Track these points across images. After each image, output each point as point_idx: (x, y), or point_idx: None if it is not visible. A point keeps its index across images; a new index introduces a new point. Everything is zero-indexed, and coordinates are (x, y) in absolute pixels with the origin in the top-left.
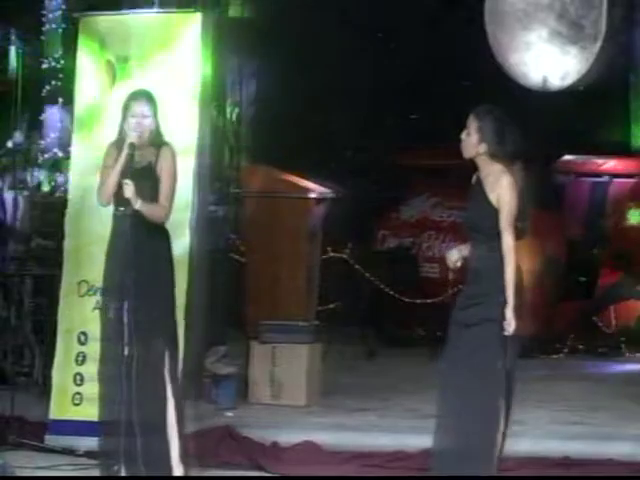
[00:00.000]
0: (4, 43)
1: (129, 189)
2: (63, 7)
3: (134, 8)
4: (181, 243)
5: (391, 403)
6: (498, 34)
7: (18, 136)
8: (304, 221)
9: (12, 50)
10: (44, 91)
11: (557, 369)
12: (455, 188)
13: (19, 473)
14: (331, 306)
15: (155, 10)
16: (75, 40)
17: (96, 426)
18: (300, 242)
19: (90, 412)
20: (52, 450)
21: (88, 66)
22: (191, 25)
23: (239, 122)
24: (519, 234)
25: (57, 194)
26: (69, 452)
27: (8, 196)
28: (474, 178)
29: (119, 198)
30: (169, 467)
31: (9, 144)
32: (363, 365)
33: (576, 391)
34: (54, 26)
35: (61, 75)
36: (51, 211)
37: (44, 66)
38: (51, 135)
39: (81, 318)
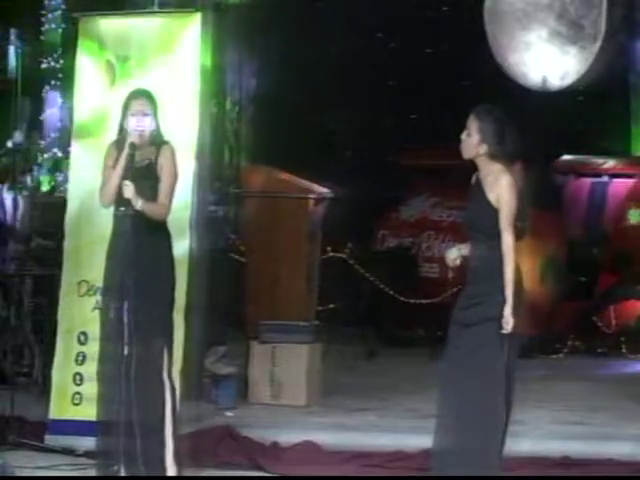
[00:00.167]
0: (3, 43)
1: (129, 190)
2: (63, 7)
3: (134, 8)
4: (181, 243)
5: (391, 403)
6: (497, 34)
7: (18, 136)
8: (304, 221)
9: (11, 50)
10: (44, 91)
11: (557, 369)
12: (455, 188)
13: (19, 473)
14: (331, 306)
15: (155, 10)
16: (75, 40)
17: (96, 426)
18: (300, 242)
19: (90, 412)
20: (52, 450)
21: (88, 66)
22: (191, 25)
23: (239, 122)
24: (519, 234)
25: (57, 194)
26: (69, 452)
27: (8, 196)
28: (473, 178)
29: (120, 198)
30: (164, 467)
31: (9, 144)
32: (363, 365)
33: (576, 391)
34: (54, 26)
35: (61, 75)
36: (51, 211)
37: (44, 66)
38: (51, 135)
39: (81, 318)
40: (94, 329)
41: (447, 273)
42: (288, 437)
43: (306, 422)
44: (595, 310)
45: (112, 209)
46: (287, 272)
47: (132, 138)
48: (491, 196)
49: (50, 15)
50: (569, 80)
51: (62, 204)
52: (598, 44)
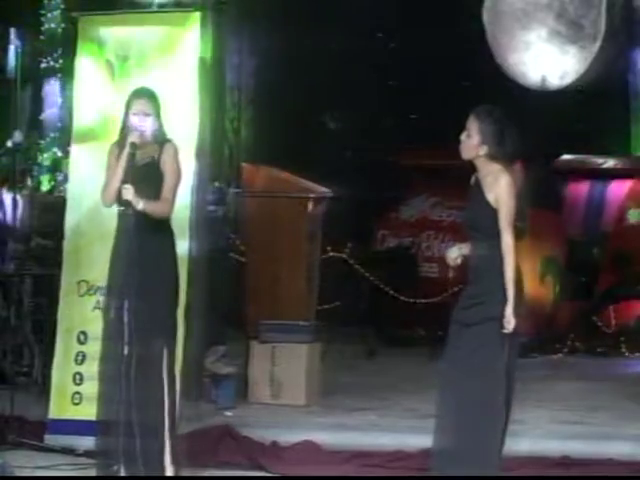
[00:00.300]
0: (3, 42)
1: (129, 192)
2: (62, 7)
3: (133, 7)
4: (181, 243)
5: (391, 403)
6: (497, 34)
7: (17, 136)
8: (304, 221)
9: (11, 49)
10: (43, 91)
11: (557, 369)
12: (455, 188)
13: (19, 473)
14: (331, 306)
15: (154, 9)
16: (74, 40)
17: (95, 426)
18: (300, 242)
19: (89, 412)
20: (52, 450)
21: (87, 66)
22: (190, 24)
23: (239, 122)
24: (518, 234)
25: (56, 193)
26: (69, 452)
27: (7, 196)
28: (473, 179)
29: (121, 198)
30: (163, 467)
31: (8, 144)
32: (363, 365)
33: (576, 391)
34: (53, 26)
35: (60, 75)
36: (51, 211)
37: (43, 65)
38: (50, 135)
39: (81, 318)
40: (94, 329)
41: (447, 273)
42: (288, 437)
43: (306, 422)
44: (595, 310)
45: (113, 209)
46: (287, 272)
47: (132, 138)
48: (490, 196)
49: (49, 15)
50: (568, 80)
51: (62, 204)
52: (598, 44)
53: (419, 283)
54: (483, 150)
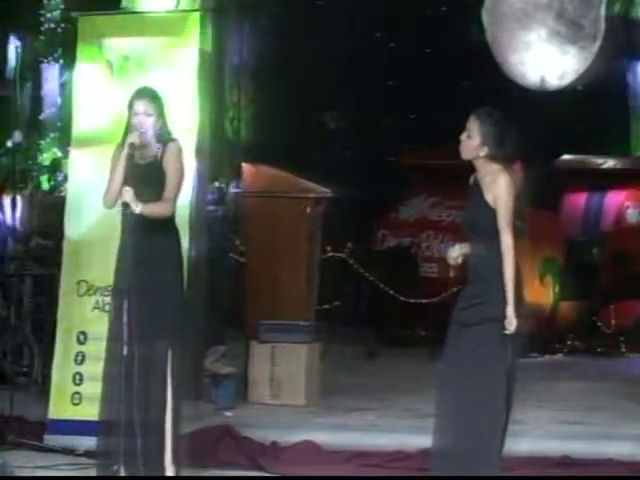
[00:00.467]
0: (3, 43)
1: (128, 195)
2: (62, 7)
3: (133, 7)
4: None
5: (390, 403)
6: (497, 34)
7: (17, 136)
8: (304, 221)
9: (11, 50)
10: (43, 91)
11: (557, 369)
12: (454, 188)
13: (18, 473)
14: (330, 306)
15: (154, 9)
16: (74, 40)
17: (95, 426)
18: (300, 242)
19: (89, 412)
20: (51, 450)
21: (87, 66)
22: (190, 24)
23: (239, 121)
24: (517, 234)
25: (56, 193)
26: (68, 452)
27: (7, 196)
28: (471, 179)
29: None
30: (163, 467)
31: (8, 144)
32: (362, 365)
33: (576, 391)
34: (53, 26)
35: (60, 74)
36: (50, 211)
37: (43, 66)
38: (50, 135)
39: (80, 318)
40: (93, 329)
41: (447, 273)
42: (288, 437)
43: (306, 422)
44: (595, 310)
45: (113, 209)
46: (287, 272)
47: (132, 138)
48: (489, 196)
49: (49, 15)
50: (567, 80)
51: (62, 204)
52: (597, 44)
53: (419, 283)
54: (483, 151)
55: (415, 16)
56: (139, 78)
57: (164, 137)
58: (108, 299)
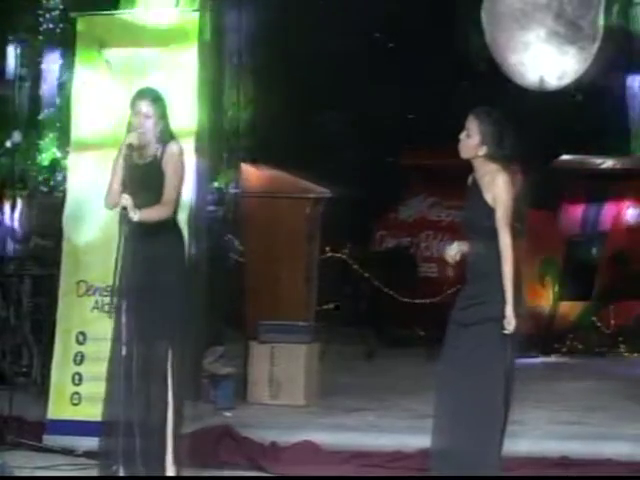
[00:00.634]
0: (2, 43)
1: (126, 202)
2: (61, 7)
3: (132, 7)
4: None
5: (390, 403)
6: (496, 34)
7: (17, 136)
8: (303, 221)
9: (10, 50)
10: (42, 91)
11: (556, 369)
12: (453, 188)
13: (18, 473)
14: (330, 306)
15: (153, 9)
16: (73, 40)
17: (94, 426)
18: (299, 242)
19: (88, 412)
20: (51, 450)
21: (86, 66)
22: (189, 24)
23: (238, 122)
24: (516, 234)
25: (56, 194)
26: (68, 452)
27: (6, 196)
28: (470, 179)
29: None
30: (163, 467)
31: (7, 144)
32: (362, 365)
33: (575, 391)
34: (52, 26)
35: (59, 75)
36: (49, 211)
37: (42, 66)
38: (49, 135)
39: (80, 318)
40: (93, 329)
41: (446, 273)
42: (287, 437)
43: (305, 422)
44: (594, 310)
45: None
46: (286, 272)
47: (130, 138)
48: (488, 196)
49: (48, 15)
50: (567, 80)
51: (61, 204)
52: (596, 44)
53: (418, 283)
54: (482, 150)
55: (415, 16)
56: (138, 78)
57: (165, 138)
58: (107, 299)
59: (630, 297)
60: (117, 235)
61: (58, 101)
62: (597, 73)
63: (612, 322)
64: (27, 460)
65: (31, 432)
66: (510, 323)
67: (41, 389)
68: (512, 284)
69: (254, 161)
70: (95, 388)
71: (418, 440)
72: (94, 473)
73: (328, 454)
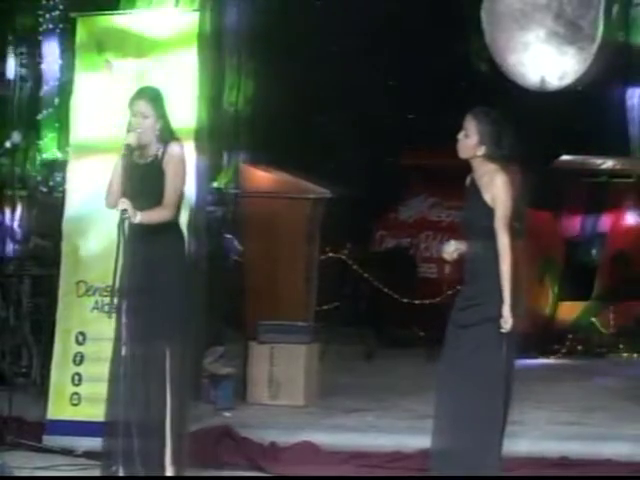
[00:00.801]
0: (1, 43)
1: (125, 205)
2: (61, 7)
3: (132, 7)
4: None
5: (389, 403)
6: (496, 34)
7: (16, 136)
8: (303, 221)
9: (10, 50)
10: (42, 91)
11: (556, 370)
12: (453, 188)
13: (17, 473)
14: (330, 306)
15: (153, 10)
16: (73, 40)
17: (94, 426)
18: (299, 242)
19: (88, 412)
20: (50, 450)
21: (86, 66)
22: (189, 25)
23: (238, 122)
24: (516, 235)
25: (55, 194)
26: (67, 452)
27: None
28: (468, 180)
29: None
30: (162, 468)
31: (7, 144)
32: (361, 365)
33: (574, 391)
34: (52, 26)
35: (59, 75)
36: (49, 211)
37: (42, 66)
38: (49, 135)
39: (79, 318)
40: (92, 329)
41: (445, 273)
42: (286, 437)
43: (304, 422)
44: (594, 311)
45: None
46: (286, 272)
47: (129, 139)
48: (487, 196)
49: (48, 15)
50: (567, 80)
51: (60, 204)
52: (596, 44)
53: (418, 284)
54: (481, 150)
55: (415, 15)
56: (138, 78)
57: (165, 137)
58: (107, 300)
59: (630, 298)
60: (117, 235)
61: (58, 101)
62: (597, 72)
63: (612, 323)
64: (27, 460)
65: (31, 432)
66: (507, 322)
67: (41, 389)
68: (510, 284)
69: (253, 161)
70: (95, 388)
71: (417, 440)
72: (94, 473)
73: (327, 454)
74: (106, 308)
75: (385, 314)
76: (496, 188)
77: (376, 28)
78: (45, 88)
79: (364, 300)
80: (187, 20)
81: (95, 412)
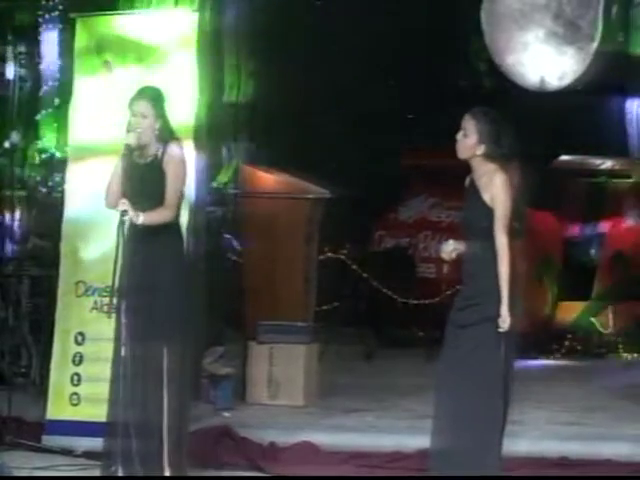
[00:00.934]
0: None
1: (125, 206)
2: (60, 7)
3: (132, 8)
4: None
5: (389, 403)
6: (495, 35)
7: (15, 136)
8: (302, 222)
9: (9, 50)
10: (41, 91)
11: (555, 370)
12: (454, 188)
13: (17, 473)
14: (329, 306)
15: (152, 10)
16: (72, 40)
17: (93, 426)
18: (298, 242)
19: (88, 412)
20: (50, 450)
21: (85, 66)
22: (188, 25)
23: (237, 122)
24: (515, 234)
25: (54, 194)
26: (67, 452)
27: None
28: (467, 181)
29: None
30: (161, 468)
31: (6, 144)
32: (361, 365)
33: (574, 392)
34: (51, 26)
35: (58, 75)
36: (48, 211)
37: (41, 66)
38: (48, 135)
39: (78, 318)
40: (91, 329)
41: (444, 273)
42: (286, 437)
43: (304, 422)
44: (593, 311)
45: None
46: (285, 273)
47: (128, 139)
48: (486, 196)
49: (47, 15)
50: (567, 80)
51: (59, 204)
52: (595, 44)
53: (417, 284)
54: (480, 150)
55: (415, 16)
56: (138, 78)
57: (164, 137)
58: (106, 300)
59: (629, 298)
60: (116, 235)
61: (57, 102)
62: (596, 72)
63: (611, 323)
64: (26, 460)
65: (30, 432)
66: (505, 322)
67: (40, 389)
68: (508, 284)
69: (253, 161)
70: (94, 388)
71: (417, 440)
72: (93, 473)
73: (327, 454)
74: (105, 308)
75: (384, 314)
76: (495, 188)
77: (376, 28)
78: (44, 88)
79: (363, 300)
80: (186, 20)
81: (94, 412)
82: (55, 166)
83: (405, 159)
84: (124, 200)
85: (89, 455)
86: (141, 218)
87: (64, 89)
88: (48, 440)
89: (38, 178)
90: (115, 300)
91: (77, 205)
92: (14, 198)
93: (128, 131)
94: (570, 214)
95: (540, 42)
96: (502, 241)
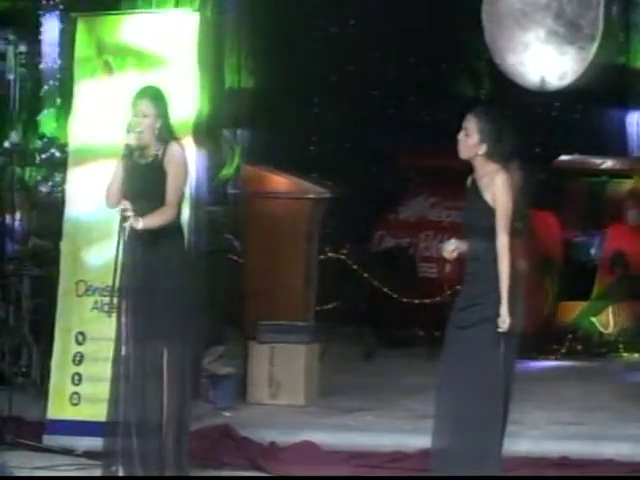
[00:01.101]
0: (1, 43)
1: (127, 212)
2: (61, 7)
3: (132, 7)
4: None
5: (389, 403)
6: (496, 34)
7: (15, 136)
8: (302, 221)
9: (9, 50)
10: (42, 91)
11: (555, 370)
12: (454, 188)
13: (17, 473)
14: (329, 306)
15: (153, 10)
16: (73, 40)
17: (94, 426)
18: (298, 242)
19: (88, 412)
20: (50, 450)
21: (86, 66)
22: (188, 24)
23: (237, 122)
24: (516, 234)
25: (54, 194)
26: (67, 452)
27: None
28: (469, 181)
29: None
30: (161, 468)
31: (6, 144)
32: (361, 365)
33: (574, 391)
34: (52, 25)
35: (59, 75)
36: (48, 211)
37: (41, 66)
38: (48, 134)
39: (79, 318)
40: (92, 329)
41: (445, 273)
42: (286, 437)
43: (304, 422)
44: (593, 311)
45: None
46: (286, 272)
47: (128, 139)
48: (488, 196)
49: (48, 15)
50: (567, 80)
51: (59, 204)
52: (596, 44)
53: (418, 284)
54: (482, 149)
55: (415, 15)
56: (138, 78)
57: (165, 136)
58: (107, 299)
59: (630, 297)
60: (116, 235)
61: (58, 101)
62: (597, 72)
63: (611, 323)
64: (26, 460)
65: (30, 432)
66: (504, 322)
67: (40, 389)
68: (509, 284)
69: (254, 161)
70: (94, 388)
71: (417, 440)
72: (94, 473)
73: (327, 454)
74: (106, 308)
75: (385, 314)
76: (496, 188)
77: (376, 27)
78: (45, 88)
79: (364, 300)
80: (187, 20)
81: (95, 412)
82: (55, 166)
83: (405, 159)
84: (125, 202)
85: (89, 455)
86: (141, 224)
87: (64, 89)
88: (49, 440)
89: (38, 178)
90: (116, 300)
91: (78, 205)
92: (14, 198)
93: (128, 131)
94: (570, 214)
95: (541, 42)
96: (503, 241)
